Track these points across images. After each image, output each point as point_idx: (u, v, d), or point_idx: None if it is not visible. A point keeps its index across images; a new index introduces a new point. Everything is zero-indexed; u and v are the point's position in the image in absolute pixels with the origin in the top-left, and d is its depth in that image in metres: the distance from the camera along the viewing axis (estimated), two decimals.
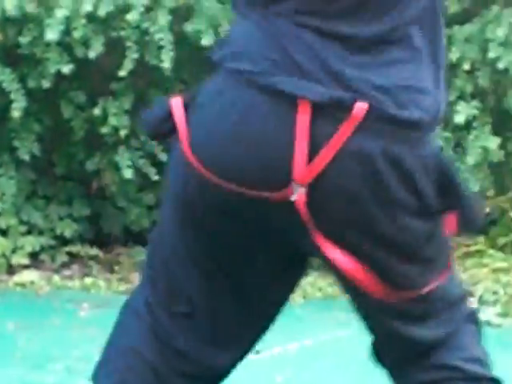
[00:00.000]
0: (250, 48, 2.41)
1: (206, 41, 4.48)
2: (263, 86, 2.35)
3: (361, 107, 2.28)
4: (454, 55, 4.80)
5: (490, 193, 5.06)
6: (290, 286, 2.76)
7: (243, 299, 2.70)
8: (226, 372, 2.65)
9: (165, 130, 2.48)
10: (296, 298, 4.42)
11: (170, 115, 2.44)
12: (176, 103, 2.47)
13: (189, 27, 4.55)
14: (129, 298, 2.74)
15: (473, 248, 4.97)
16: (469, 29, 4.91)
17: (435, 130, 2.35)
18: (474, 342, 2.60)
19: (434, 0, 2.33)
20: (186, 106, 2.41)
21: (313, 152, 2.29)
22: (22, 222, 5.04)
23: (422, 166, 2.45)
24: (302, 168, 2.31)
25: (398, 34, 2.36)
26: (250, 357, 3.74)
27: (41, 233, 5.07)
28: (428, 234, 2.45)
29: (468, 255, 4.96)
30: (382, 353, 2.71)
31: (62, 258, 5.01)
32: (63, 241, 5.05)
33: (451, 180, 2.48)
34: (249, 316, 2.72)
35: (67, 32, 4.38)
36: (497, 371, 3.75)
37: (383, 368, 2.74)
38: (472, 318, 2.61)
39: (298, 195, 2.30)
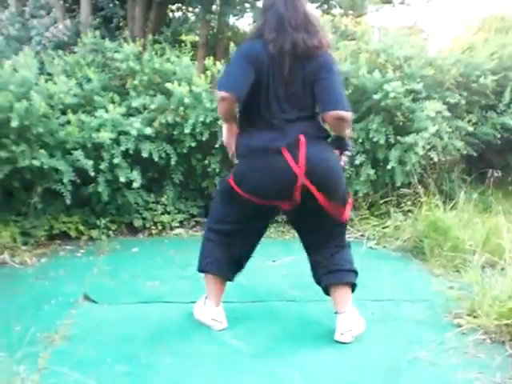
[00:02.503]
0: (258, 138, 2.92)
1: None
2: (271, 151, 2.88)
3: (302, 138, 2.87)
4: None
5: (371, 193, 5.00)
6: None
7: (257, 229, 3.26)
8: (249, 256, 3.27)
9: None
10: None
11: None
12: None
13: None
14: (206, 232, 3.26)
15: (364, 216, 4.95)
16: None
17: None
18: (349, 254, 3.20)
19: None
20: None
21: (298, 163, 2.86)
22: (177, 210, 5.00)
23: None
24: (299, 171, 2.86)
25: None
26: (270, 263, 4.21)
27: (183, 213, 5.02)
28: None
29: (362, 219, 4.94)
30: (310, 245, 3.20)
31: (191, 223, 5.02)
32: (192, 216, 5.05)
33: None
34: (258, 236, 3.28)
35: None
36: (372, 271, 4.14)
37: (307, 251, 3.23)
38: (348, 244, 3.23)
39: (303, 180, 2.87)
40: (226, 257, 3.17)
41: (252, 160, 2.94)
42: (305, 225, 3.16)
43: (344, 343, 3.11)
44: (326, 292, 3.20)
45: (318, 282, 3.21)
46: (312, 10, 3.07)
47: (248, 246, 3.23)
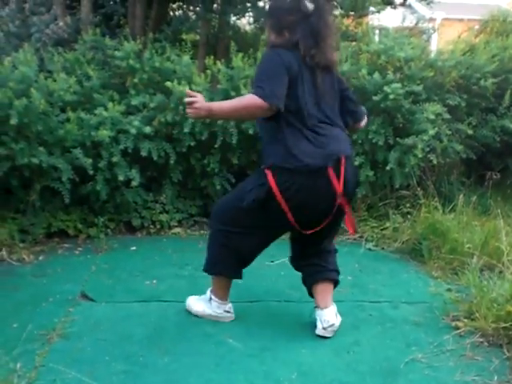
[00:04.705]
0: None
1: None
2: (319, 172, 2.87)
3: (343, 157, 2.90)
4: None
5: (370, 195, 5.00)
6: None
7: (273, 236, 3.23)
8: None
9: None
10: None
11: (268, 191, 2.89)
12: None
13: None
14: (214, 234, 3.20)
15: (363, 218, 4.96)
16: None
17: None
18: (334, 257, 3.34)
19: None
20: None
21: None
22: (175, 209, 5.00)
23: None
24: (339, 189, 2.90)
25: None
26: (268, 263, 4.21)
27: (182, 212, 5.03)
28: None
29: (361, 220, 4.94)
30: (300, 254, 3.30)
31: (190, 222, 5.02)
32: (191, 215, 5.04)
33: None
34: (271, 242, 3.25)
35: None
36: (370, 272, 4.19)
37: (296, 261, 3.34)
38: (335, 249, 3.35)
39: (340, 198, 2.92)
40: (234, 258, 3.19)
41: (306, 178, 2.88)
42: (315, 235, 3.15)
43: (328, 338, 3.18)
44: (311, 291, 3.29)
45: (305, 281, 3.32)
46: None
47: (258, 251, 3.26)
